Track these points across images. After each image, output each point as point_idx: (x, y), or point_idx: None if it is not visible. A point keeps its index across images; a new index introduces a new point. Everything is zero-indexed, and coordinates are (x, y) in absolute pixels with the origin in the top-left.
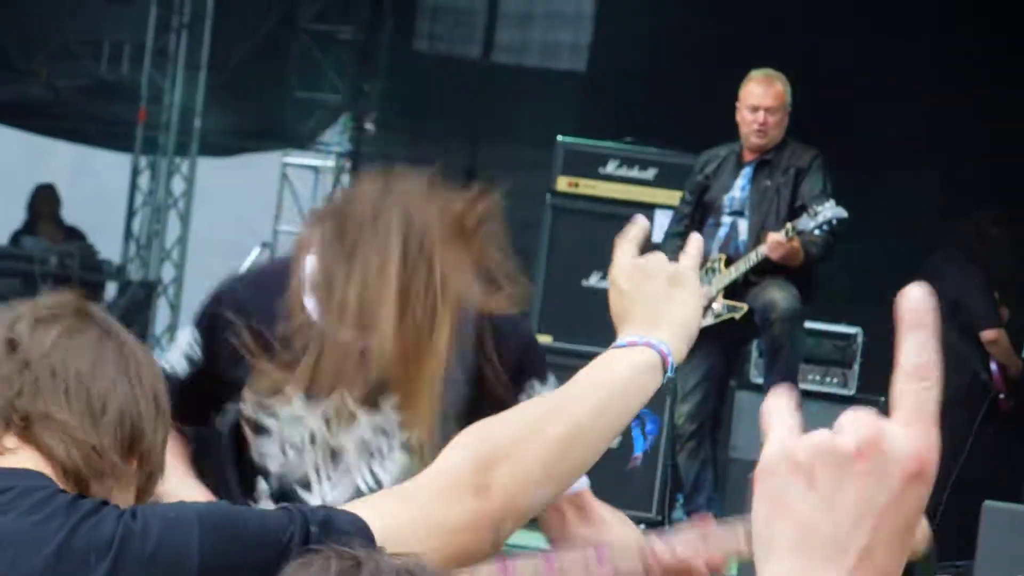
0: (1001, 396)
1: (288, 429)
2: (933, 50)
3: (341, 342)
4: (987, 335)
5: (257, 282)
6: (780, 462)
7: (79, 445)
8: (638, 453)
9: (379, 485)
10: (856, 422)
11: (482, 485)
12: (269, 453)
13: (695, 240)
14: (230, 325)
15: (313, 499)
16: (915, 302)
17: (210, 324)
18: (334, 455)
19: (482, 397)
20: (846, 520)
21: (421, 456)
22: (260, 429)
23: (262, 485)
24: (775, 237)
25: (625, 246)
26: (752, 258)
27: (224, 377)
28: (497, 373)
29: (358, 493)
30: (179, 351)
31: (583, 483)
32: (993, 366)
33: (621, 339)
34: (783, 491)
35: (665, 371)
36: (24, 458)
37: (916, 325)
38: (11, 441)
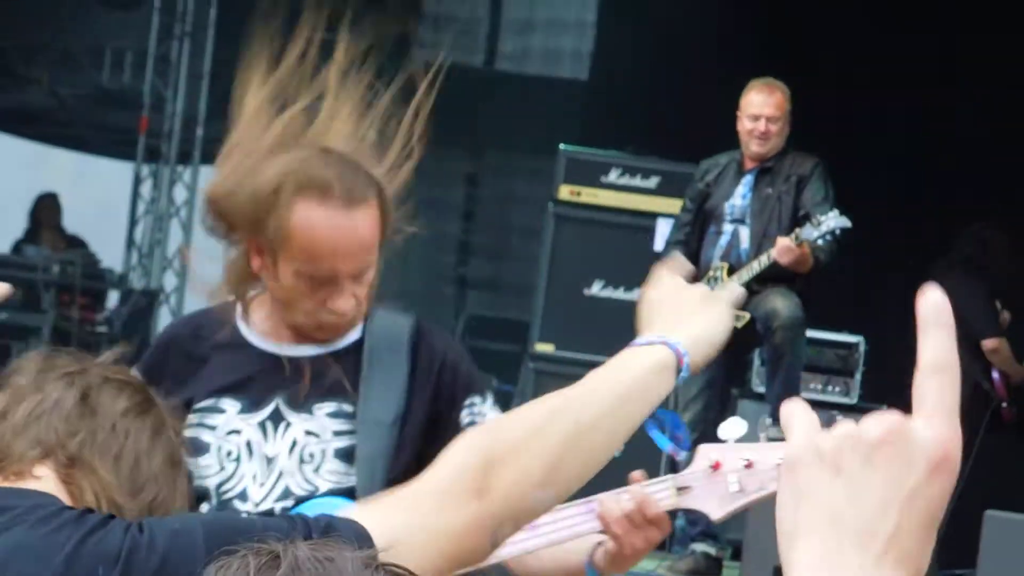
0: (1004, 405)
1: (225, 442)
2: (936, 52)
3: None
4: (988, 344)
5: (193, 319)
6: (805, 453)
7: (109, 502)
8: (677, 448)
9: (315, 491)
10: (880, 415)
11: (483, 488)
12: (208, 470)
13: (735, 288)
14: (168, 357)
15: (248, 508)
16: (934, 302)
17: (151, 361)
18: (269, 462)
19: (416, 412)
20: (872, 506)
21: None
22: (198, 447)
23: (204, 508)
24: (784, 242)
25: (664, 271)
26: (757, 265)
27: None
28: (434, 387)
29: (289, 498)
30: None
31: None
32: (995, 375)
33: (639, 339)
34: (809, 481)
35: (679, 371)
36: (45, 486)
37: (935, 324)
38: (42, 471)
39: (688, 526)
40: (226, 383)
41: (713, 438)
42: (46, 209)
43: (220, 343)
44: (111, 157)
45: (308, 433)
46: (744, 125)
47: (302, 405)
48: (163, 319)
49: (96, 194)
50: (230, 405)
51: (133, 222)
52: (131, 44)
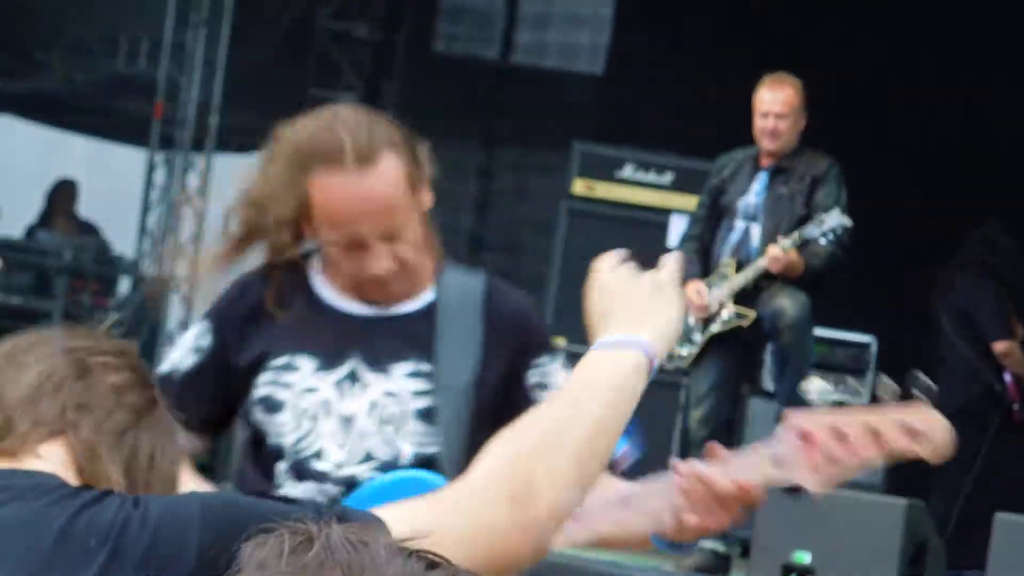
0: (1015, 407)
1: (301, 400)
2: (954, 50)
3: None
4: (998, 347)
5: (261, 271)
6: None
7: (108, 483)
8: (630, 452)
9: (398, 455)
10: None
11: (520, 493)
12: (284, 428)
13: (673, 258)
14: (240, 306)
15: (327, 467)
16: None
17: (221, 311)
18: (346, 422)
19: (490, 373)
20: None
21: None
22: (274, 406)
23: (280, 467)
24: (772, 252)
25: (611, 257)
26: (751, 273)
27: (236, 363)
28: (500, 346)
29: (372, 461)
30: (184, 347)
31: None
32: (1007, 377)
33: (607, 336)
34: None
35: (649, 373)
36: (48, 466)
37: None
38: (46, 450)
39: None
40: (301, 340)
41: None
42: (63, 195)
43: (295, 299)
44: (125, 143)
45: (387, 394)
46: (756, 122)
47: (379, 365)
48: (174, 306)
49: (109, 180)
50: (305, 363)
51: (146, 209)
52: (147, 31)
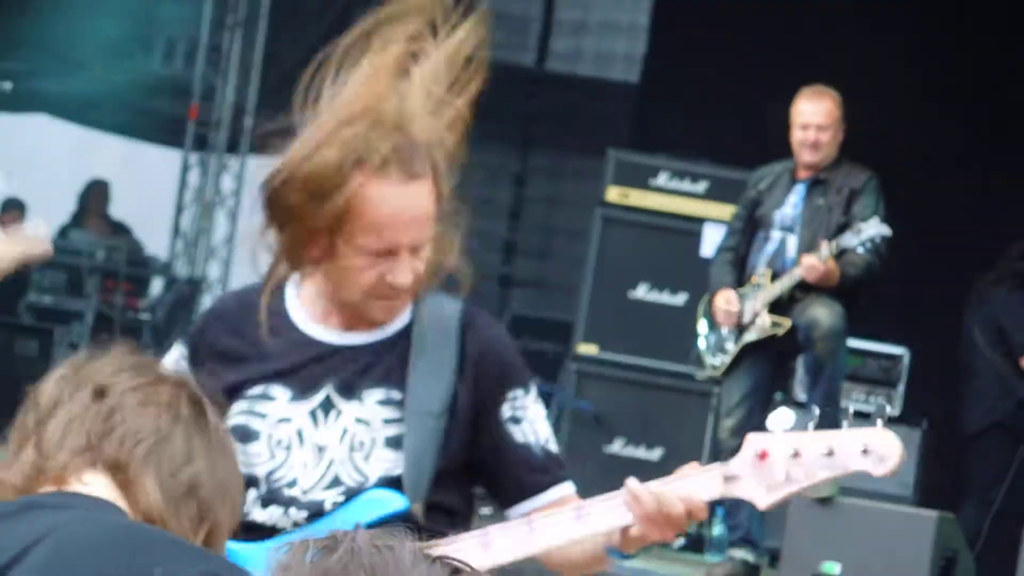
0: None
1: (276, 430)
2: (990, 60)
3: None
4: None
5: (241, 295)
6: None
7: (155, 511)
8: None
9: (365, 480)
10: None
11: None
12: (257, 458)
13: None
14: (217, 332)
15: (296, 494)
16: None
17: (198, 335)
18: (319, 451)
19: (462, 403)
20: None
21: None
22: (248, 435)
23: (251, 495)
24: (808, 261)
25: None
26: (791, 278)
27: (210, 390)
28: (478, 377)
29: (340, 486)
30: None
31: (569, 489)
32: None
33: None
34: None
35: None
36: (95, 492)
37: None
38: (91, 478)
39: (728, 532)
40: (276, 369)
41: None
42: (96, 195)
43: (270, 326)
44: (160, 144)
45: (358, 421)
46: (795, 135)
47: (352, 392)
48: (206, 307)
49: (143, 181)
50: (280, 392)
51: (179, 210)
52: (183, 33)
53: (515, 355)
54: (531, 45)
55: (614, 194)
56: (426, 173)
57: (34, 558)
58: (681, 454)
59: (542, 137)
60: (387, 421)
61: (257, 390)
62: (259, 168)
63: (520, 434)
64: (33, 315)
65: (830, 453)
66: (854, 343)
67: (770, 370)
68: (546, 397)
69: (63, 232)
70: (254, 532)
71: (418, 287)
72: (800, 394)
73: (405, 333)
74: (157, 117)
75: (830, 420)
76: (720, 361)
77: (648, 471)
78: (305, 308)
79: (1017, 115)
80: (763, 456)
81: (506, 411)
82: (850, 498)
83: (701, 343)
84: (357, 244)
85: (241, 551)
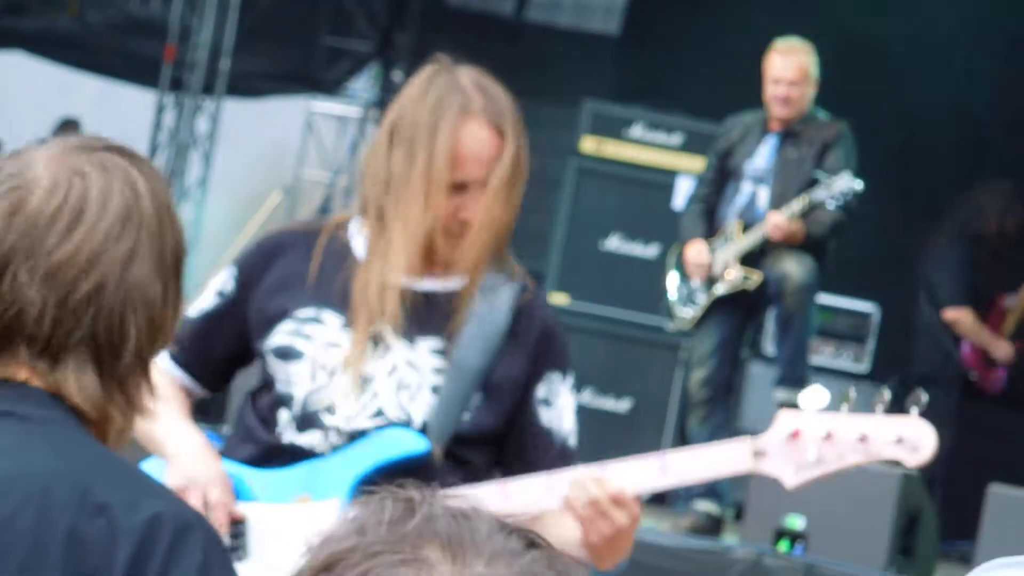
0: (972, 376)
1: (322, 353)
2: (960, 21)
3: (381, 278)
4: (947, 314)
5: (308, 225)
6: None
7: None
8: None
9: (409, 419)
10: None
11: None
12: (298, 377)
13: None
14: (275, 259)
15: (337, 422)
16: None
17: (250, 262)
18: (364, 381)
19: (500, 368)
20: None
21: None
22: (292, 354)
23: (283, 416)
24: (774, 219)
25: None
26: (760, 233)
27: (258, 310)
28: (520, 350)
29: (382, 417)
30: (212, 289)
31: None
32: (965, 346)
33: None
34: None
35: None
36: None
37: None
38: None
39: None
40: (332, 296)
41: (723, 397)
42: (67, 133)
43: (334, 260)
44: (135, 84)
45: (409, 364)
46: (767, 89)
47: (406, 334)
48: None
49: (118, 121)
50: (332, 319)
51: (153, 150)
52: None
53: (563, 339)
54: None
55: (589, 144)
56: (508, 134)
57: None
58: (649, 406)
59: (520, 87)
60: (436, 371)
61: (308, 312)
62: (235, 110)
63: (547, 419)
64: None
65: (863, 439)
66: (824, 299)
67: (740, 322)
68: None
69: None
70: (290, 455)
71: (483, 236)
72: (769, 347)
73: (462, 295)
74: (133, 57)
75: (797, 375)
76: (690, 313)
77: (616, 422)
78: (369, 246)
79: (995, 64)
80: (796, 435)
81: (541, 391)
82: None
83: (671, 294)
84: (437, 174)
85: (276, 476)
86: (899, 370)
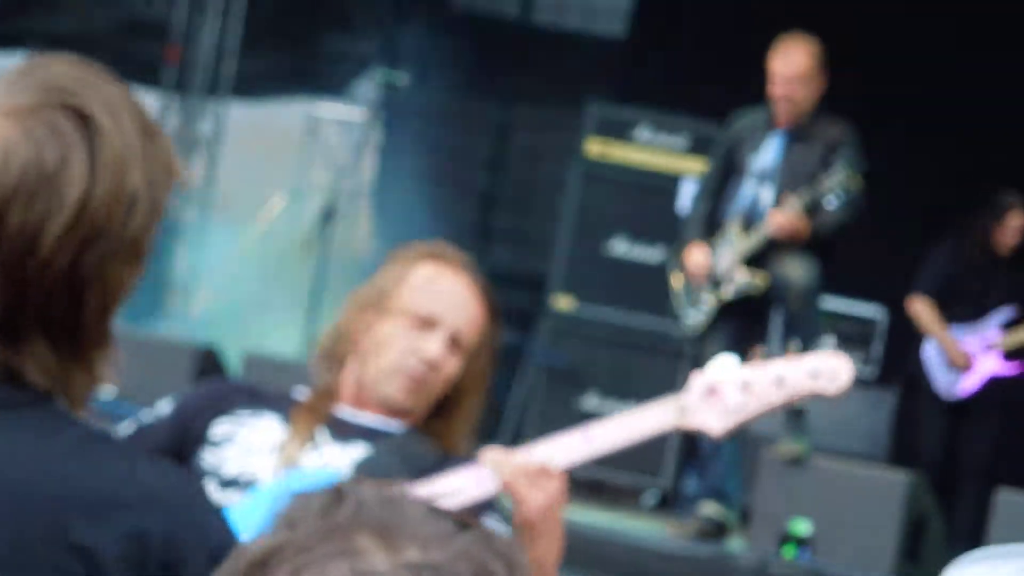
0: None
1: (253, 435)
2: (968, 22)
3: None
4: (908, 305)
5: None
6: None
7: None
8: None
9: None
10: None
11: None
12: (227, 460)
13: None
14: (221, 390)
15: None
16: None
17: (191, 396)
18: (291, 464)
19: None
20: None
21: None
22: (225, 439)
23: (209, 485)
24: (777, 219)
25: None
26: (762, 234)
27: (195, 426)
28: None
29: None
30: (149, 411)
31: None
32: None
33: None
34: None
35: None
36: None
37: None
38: None
39: (698, 488)
40: (274, 404)
41: None
42: None
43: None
44: (139, 85)
45: (335, 460)
46: (771, 86)
47: (340, 439)
48: (181, 253)
49: None
50: (271, 417)
51: None
52: None
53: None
54: None
55: (594, 147)
56: (483, 301)
57: None
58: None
59: (525, 89)
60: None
61: (247, 411)
62: (239, 112)
63: None
64: None
65: (780, 380)
66: (831, 303)
67: (749, 325)
68: (521, 352)
69: None
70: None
71: (440, 387)
72: (778, 350)
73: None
74: (137, 59)
75: None
76: (697, 317)
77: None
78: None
79: (998, 71)
80: (714, 388)
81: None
82: (821, 458)
83: (678, 298)
84: (404, 307)
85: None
86: (905, 374)
